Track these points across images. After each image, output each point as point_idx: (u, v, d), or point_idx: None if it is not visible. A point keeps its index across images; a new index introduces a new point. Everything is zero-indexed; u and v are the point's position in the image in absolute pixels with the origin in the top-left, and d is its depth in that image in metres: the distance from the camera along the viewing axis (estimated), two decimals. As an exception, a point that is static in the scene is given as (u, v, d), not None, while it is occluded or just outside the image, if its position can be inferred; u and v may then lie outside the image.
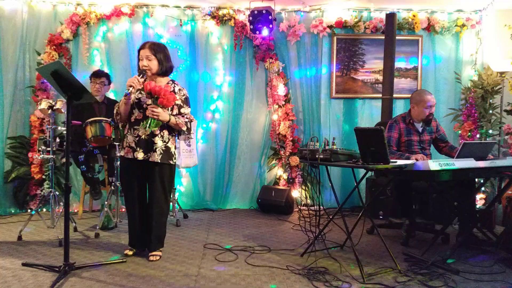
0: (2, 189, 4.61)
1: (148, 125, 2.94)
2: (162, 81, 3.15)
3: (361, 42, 5.07)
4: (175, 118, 3.06)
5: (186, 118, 3.13)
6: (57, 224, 3.74)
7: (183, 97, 3.15)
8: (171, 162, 3.15)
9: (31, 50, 4.74)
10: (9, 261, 3.07)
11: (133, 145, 3.07)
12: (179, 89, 3.15)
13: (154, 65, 3.07)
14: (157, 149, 3.05)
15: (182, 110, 3.12)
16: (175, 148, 3.23)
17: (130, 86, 2.92)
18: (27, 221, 3.74)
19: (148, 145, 3.05)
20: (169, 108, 3.06)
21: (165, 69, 3.13)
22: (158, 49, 3.09)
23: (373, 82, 5.10)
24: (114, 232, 3.91)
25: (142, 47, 3.10)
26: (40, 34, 4.75)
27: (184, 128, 3.12)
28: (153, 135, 3.06)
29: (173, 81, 3.20)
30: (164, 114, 2.97)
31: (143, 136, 3.05)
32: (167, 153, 3.11)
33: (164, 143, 3.09)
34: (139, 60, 3.10)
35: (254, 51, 4.99)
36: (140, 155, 3.05)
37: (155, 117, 2.92)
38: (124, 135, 3.15)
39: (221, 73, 5.03)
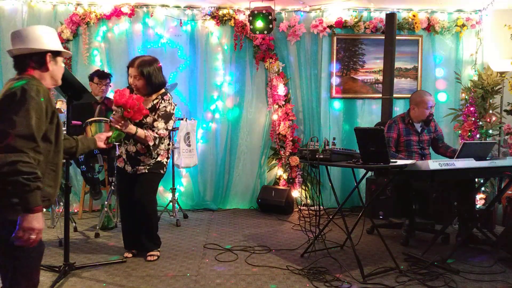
0: (2, 189, 4.60)
1: (112, 137, 2.58)
2: (152, 97, 3.06)
3: (361, 42, 5.07)
4: (144, 132, 2.92)
5: (156, 133, 2.97)
6: (57, 224, 3.74)
7: (162, 112, 3.01)
8: (162, 171, 3.16)
9: (31, 50, 4.73)
10: (9, 261, 3.06)
11: (124, 157, 3.13)
12: (164, 106, 3.02)
13: (141, 84, 2.99)
14: (145, 166, 3.08)
15: (155, 124, 2.98)
16: (167, 158, 3.21)
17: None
18: (27, 221, 3.73)
19: (135, 161, 3.08)
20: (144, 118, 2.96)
21: (154, 88, 3.03)
22: (146, 67, 2.96)
23: (373, 82, 5.10)
24: (114, 232, 3.91)
25: (131, 64, 3.00)
26: (40, 34, 4.75)
27: (151, 143, 2.95)
28: (139, 153, 3.05)
29: (162, 96, 3.07)
30: (129, 127, 2.79)
31: (130, 152, 3.07)
32: (157, 165, 3.12)
33: (154, 159, 3.10)
34: (128, 75, 3.04)
35: (254, 51, 4.99)
36: (128, 169, 3.10)
37: (118, 127, 2.69)
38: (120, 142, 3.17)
39: (221, 73, 5.03)
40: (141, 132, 2.90)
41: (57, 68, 1.86)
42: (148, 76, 2.96)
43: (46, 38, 1.82)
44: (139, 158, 3.06)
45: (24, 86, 1.65)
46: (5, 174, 1.51)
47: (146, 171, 3.07)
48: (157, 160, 3.11)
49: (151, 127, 3.00)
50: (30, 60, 1.79)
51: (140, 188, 3.08)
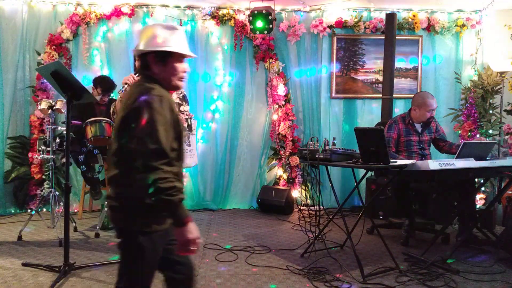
0: (2, 189, 4.60)
1: None
2: None
3: (361, 42, 5.07)
4: None
5: (186, 115, 3.11)
6: (57, 224, 3.74)
7: (181, 95, 3.14)
8: None
9: (31, 50, 4.74)
10: (9, 261, 3.07)
11: None
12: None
13: None
14: None
15: (181, 108, 3.11)
16: None
17: (126, 83, 2.90)
18: (27, 221, 3.74)
19: None
20: None
21: None
22: None
23: (373, 82, 5.10)
24: (114, 232, 3.90)
25: None
26: (40, 34, 4.75)
27: (185, 125, 3.10)
28: None
29: None
30: None
31: None
32: None
33: None
34: (135, 59, 3.10)
35: (254, 51, 4.99)
36: None
37: None
38: None
39: (221, 73, 5.03)
40: None
41: (165, 69, 1.68)
42: None
43: (158, 38, 1.66)
44: None
45: (148, 99, 1.56)
46: (148, 195, 1.51)
47: None
48: None
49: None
50: (144, 61, 1.69)
51: None
